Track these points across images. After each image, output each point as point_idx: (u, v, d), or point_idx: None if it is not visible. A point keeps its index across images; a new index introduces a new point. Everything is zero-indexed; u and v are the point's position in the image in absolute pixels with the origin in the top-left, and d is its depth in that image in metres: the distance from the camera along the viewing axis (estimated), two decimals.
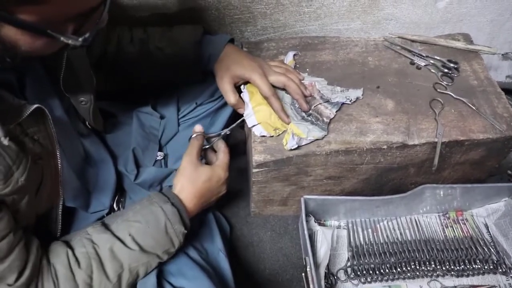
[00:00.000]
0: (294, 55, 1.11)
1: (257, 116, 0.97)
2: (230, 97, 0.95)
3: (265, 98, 0.95)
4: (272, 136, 0.97)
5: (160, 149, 1.05)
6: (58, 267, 0.68)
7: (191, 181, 0.84)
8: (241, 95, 1.01)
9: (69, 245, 0.71)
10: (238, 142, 1.31)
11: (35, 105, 0.61)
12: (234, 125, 0.96)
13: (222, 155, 0.90)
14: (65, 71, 0.72)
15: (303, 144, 0.94)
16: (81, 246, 0.71)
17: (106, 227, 0.75)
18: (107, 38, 0.94)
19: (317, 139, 0.95)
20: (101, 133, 0.97)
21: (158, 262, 0.77)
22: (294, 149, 0.94)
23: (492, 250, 1.15)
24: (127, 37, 0.97)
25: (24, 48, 0.52)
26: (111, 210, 0.96)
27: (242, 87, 1.03)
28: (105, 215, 0.92)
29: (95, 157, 0.91)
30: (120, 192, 1.00)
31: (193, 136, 0.92)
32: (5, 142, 0.56)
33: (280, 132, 0.96)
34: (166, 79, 1.04)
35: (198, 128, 0.92)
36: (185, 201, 0.82)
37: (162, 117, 1.06)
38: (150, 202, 0.78)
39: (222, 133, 0.96)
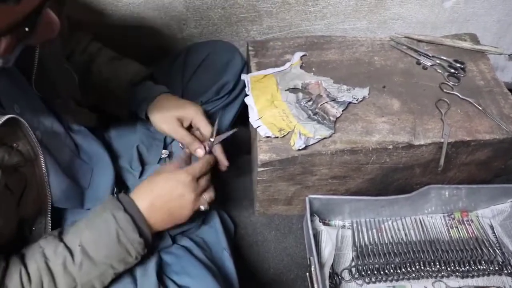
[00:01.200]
0: (302, 56, 1.10)
1: (263, 118, 0.97)
2: (184, 135, 0.91)
3: (203, 135, 0.93)
4: (277, 137, 0.97)
5: (165, 147, 1.04)
6: None
7: (148, 187, 0.78)
8: (246, 99, 1.01)
9: (23, 261, 0.67)
10: (242, 141, 1.31)
11: (6, 116, 0.59)
12: (224, 136, 0.93)
13: (196, 164, 0.83)
14: (37, 71, 0.71)
15: (311, 143, 0.94)
16: (33, 262, 0.67)
17: (60, 238, 0.70)
18: (67, 40, 0.94)
19: (324, 138, 0.95)
20: (95, 128, 0.96)
21: (114, 273, 0.72)
22: (302, 149, 0.94)
23: (498, 251, 1.14)
24: (82, 46, 0.96)
25: None
26: None
27: (246, 89, 1.03)
28: None
29: (88, 152, 0.90)
30: (125, 190, 1.00)
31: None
32: None
33: (285, 133, 0.96)
34: (96, 103, 1.00)
35: (200, 153, 0.90)
36: (140, 206, 0.75)
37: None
38: (103, 209, 0.73)
39: (213, 140, 0.92)
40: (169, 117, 0.91)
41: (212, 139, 0.92)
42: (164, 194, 0.77)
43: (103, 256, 0.70)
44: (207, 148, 0.91)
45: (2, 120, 0.58)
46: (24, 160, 0.66)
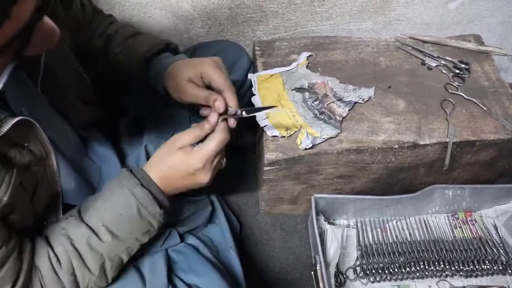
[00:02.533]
0: (308, 56, 1.11)
1: (269, 118, 0.98)
2: (198, 92, 0.80)
3: (219, 91, 0.80)
4: (284, 137, 0.97)
5: None
6: (43, 272, 0.67)
7: (160, 161, 0.76)
8: (252, 98, 1.02)
9: (49, 243, 0.69)
10: (248, 141, 1.31)
11: (16, 119, 0.59)
12: (255, 109, 0.85)
13: (207, 142, 0.75)
14: (43, 75, 0.70)
15: (317, 143, 0.95)
16: (59, 245, 0.69)
17: (81, 218, 0.72)
18: (89, 25, 0.93)
19: (330, 138, 0.96)
20: (103, 126, 0.97)
21: (139, 244, 0.76)
22: (308, 148, 0.94)
23: (501, 251, 1.15)
24: (101, 30, 0.94)
25: None
26: None
27: (253, 89, 1.03)
28: None
29: (97, 151, 0.90)
30: None
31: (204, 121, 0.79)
32: None
33: (292, 133, 0.97)
34: (119, 84, 0.99)
35: (219, 106, 0.76)
36: (155, 179, 0.75)
37: (173, 116, 1.07)
38: (120, 185, 0.72)
39: (238, 113, 0.78)
40: (180, 83, 0.82)
41: (238, 110, 0.79)
42: (175, 176, 0.76)
43: (127, 232, 0.72)
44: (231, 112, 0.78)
45: (13, 122, 0.58)
46: (35, 159, 0.66)
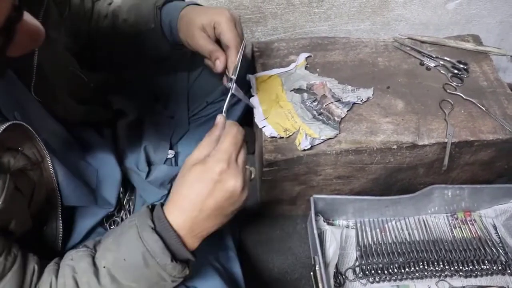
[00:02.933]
0: (307, 57, 1.11)
1: (268, 118, 0.98)
2: (205, 43, 0.79)
3: (225, 46, 0.79)
4: (282, 137, 0.97)
5: (171, 148, 1.05)
6: None
7: (178, 192, 0.63)
8: (251, 99, 1.02)
9: (56, 271, 0.65)
10: (247, 142, 1.31)
11: (6, 124, 0.57)
12: (241, 94, 0.82)
13: (220, 141, 0.64)
14: (36, 77, 0.68)
15: (316, 143, 0.95)
16: (61, 276, 0.63)
17: (93, 251, 0.65)
18: (90, 15, 0.92)
19: (329, 138, 0.96)
20: (102, 126, 0.97)
21: None
22: (307, 149, 0.95)
23: (501, 251, 1.15)
24: (104, 11, 0.92)
25: None
26: (121, 208, 0.97)
27: (252, 90, 1.04)
28: (115, 213, 0.93)
29: (95, 153, 0.89)
30: (130, 190, 1.01)
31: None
32: None
33: (291, 134, 0.97)
34: (138, 54, 0.96)
35: (218, 66, 0.77)
36: (174, 221, 0.62)
37: (172, 117, 1.07)
38: (130, 225, 0.63)
39: (229, 83, 0.77)
40: (192, 28, 0.81)
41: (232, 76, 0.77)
42: (202, 200, 0.61)
43: (131, 281, 0.62)
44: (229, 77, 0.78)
45: (3, 127, 0.56)
46: (30, 163, 0.65)
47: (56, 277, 0.63)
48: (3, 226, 0.61)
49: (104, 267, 0.62)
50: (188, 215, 0.61)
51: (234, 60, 0.78)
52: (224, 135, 0.64)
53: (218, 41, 0.81)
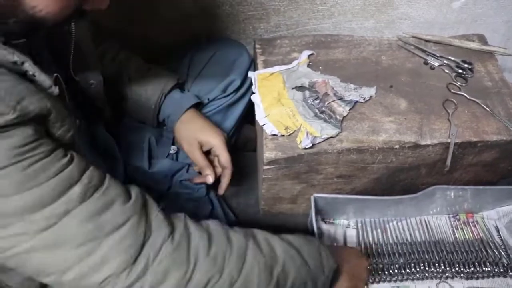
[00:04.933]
0: (310, 55, 1.10)
1: (269, 116, 0.97)
2: (200, 158, 0.97)
3: (223, 168, 0.99)
4: (283, 135, 0.97)
5: (173, 144, 1.05)
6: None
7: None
8: (252, 97, 1.02)
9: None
10: (248, 139, 1.31)
11: (55, 74, 0.60)
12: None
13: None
14: (74, 55, 0.73)
15: (317, 142, 0.94)
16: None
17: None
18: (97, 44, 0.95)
19: (330, 137, 0.95)
20: (109, 127, 0.97)
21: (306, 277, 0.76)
22: (308, 147, 0.94)
23: (503, 253, 1.14)
24: (112, 54, 0.98)
25: (42, 10, 0.52)
26: None
27: (253, 87, 1.03)
28: None
29: (101, 146, 0.92)
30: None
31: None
32: (56, 90, 0.56)
33: (291, 131, 0.96)
34: (125, 109, 1.02)
35: (209, 181, 0.99)
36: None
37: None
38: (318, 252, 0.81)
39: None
40: (192, 138, 0.96)
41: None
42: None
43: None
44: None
45: (55, 76, 0.59)
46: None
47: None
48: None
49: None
50: None
51: (228, 180, 1.00)
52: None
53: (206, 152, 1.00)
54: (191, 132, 0.97)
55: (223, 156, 0.97)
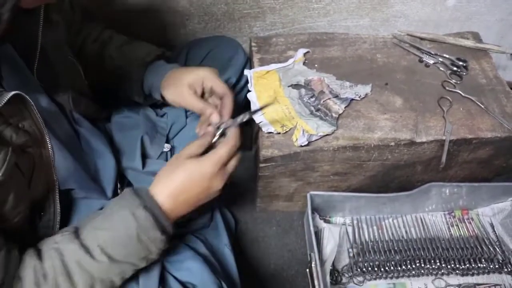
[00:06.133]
0: (305, 53, 1.10)
1: (265, 114, 0.97)
2: (195, 101, 0.84)
3: (221, 97, 0.84)
4: (279, 133, 0.97)
5: (167, 141, 1.04)
6: (26, 284, 0.63)
7: (169, 177, 0.71)
8: (248, 95, 1.02)
9: (39, 256, 0.65)
10: (244, 137, 1.31)
11: (13, 92, 0.58)
12: (254, 111, 0.84)
13: (219, 147, 0.73)
14: (39, 61, 0.70)
15: (313, 140, 0.95)
16: (48, 258, 0.64)
17: (76, 234, 0.67)
18: (79, 30, 0.94)
19: (326, 135, 0.95)
20: (97, 122, 0.96)
21: (134, 269, 0.70)
22: (304, 145, 0.94)
23: (498, 249, 1.15)
24: (94, 35, 0.95)
25: None
26: None
27: (249, 85, 1.03)
28: None
29: (91, 145, 0.89)
30: (127, 186, 1.00)
31: (200, 131, 0.82)
32: None
33: (287, 129, 0.97)
34: (113, 89, 0.99)
35: (214, 118, 0.80)
36: (160, 201, 0.69)
37: (164, 114, 1.06)
38: (121, 205, 0.68)
39: (238, 120, 0.79)
40: (180, 86, 0.85)
41: (229, 121, 0.80)
42: (188, 189, 0.71)
43: (123, 256, 0.67)
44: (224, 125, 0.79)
45: (8, 96, 0.57)
46: (31, 140, 0.65)
47: (40, 260, 0.64)
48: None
49: (97, 246, 0.65)
50: (174, 199, 0.70)
51: (230, 107, 0.83)
52: (223, 144, 0.73)
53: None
54: (176, 81, 0.86)
55: (217, 84, 0.84)
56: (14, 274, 0.62)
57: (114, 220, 0.67)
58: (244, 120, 0.79)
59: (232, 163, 0.74)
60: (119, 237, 0.66)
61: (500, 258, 1.13)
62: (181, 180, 0.70)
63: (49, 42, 0.72)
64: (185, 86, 0.84)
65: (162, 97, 0.90)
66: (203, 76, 0.85)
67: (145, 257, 0.69)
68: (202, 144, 0.74)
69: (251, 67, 1.10)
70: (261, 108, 0.86)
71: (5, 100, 0.57)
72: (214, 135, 0.77)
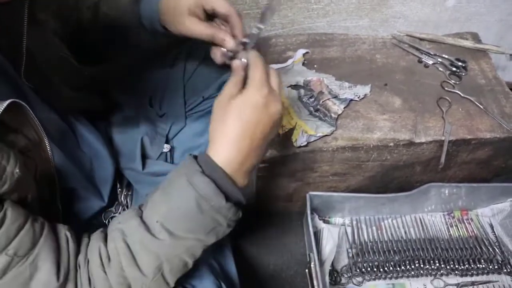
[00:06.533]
0: (305, 53, 1.11)
1: None
2: (202, 29, 0.74)
3: (226, 17, 0.74)
4: (279, 134, 0.97)
5: (167, 142, 1.05)
6: (92, 266, 0.61)
7: (222, 129, 0.62)
8: None
9: (105, 238, 0.64)
10: None
11: (8, 101, 0.57)
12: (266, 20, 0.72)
13: (251, 71, 0.64)
14: (26, 63, 0.67)
15: (312, 140, 0.95)
16: (111, 240, 0.62)
17: (139, 212, 0.64)
18: (75, 3, 0.91)
19: (325, 135, 0.95)
20: (97, 118, 0.96)
21: (204, 245, 0.63)
22: (303, 146, 0.94)
23: (497, 250, 1.15)
24: (87, 4, 0.90)
25: None
26: (118, 204, 0.97)
27: None
28: (113, 209, 0.93)
29: (88, 143, 0.88)
30: (127, 187, 1.01)
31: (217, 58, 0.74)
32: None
33: (287, 130, 0.97)
34: (123, 47, 0.94)
35: (229, 44, 0.70)
36: (222, 158, 0.61)
37: (163, 114, 1.06)
38: (178, 174, 0.62)
39: (254, 33, 0.69)
40: (180, 16, 0.76)
41: (242, 40, 0.71)
42: (249, 129, 0.62)
43: (186, 230, 0.61)
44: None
45: (5, 104, 0.56)
46: (31, 144, 0.65)
47: (105, 242, 0.62)
48: (21, 197, 0.61)
49: (157, 221, 0.61)
50: (239, 149, 0.61)
51: (240, 25, 0.72)
52: (252, 68, 0.64)
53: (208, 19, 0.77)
54: (175, 10, 0.76)
55: (218, 4, 0.73)
56: (72, 252, 0.61)
57: (170, 192, 0.62)
58: (259, 32, 0.69)
59: (274, 80, 0.66)
60: (178, 209, 0.61)
61: (499, 258, 1.13)
62: (235, 124, 0.61)
63: (37, 42, 0.69)
64: (185, 15, 0.75)
65: (165, 29, 0.82)
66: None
67: (213, 230, 0.62)
68: (238, 81, 0.65)
69: None
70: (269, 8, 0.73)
71: (2, 109, 0.56)
72: (243, 67, 0.66)
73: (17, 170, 0.56)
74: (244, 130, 0.61)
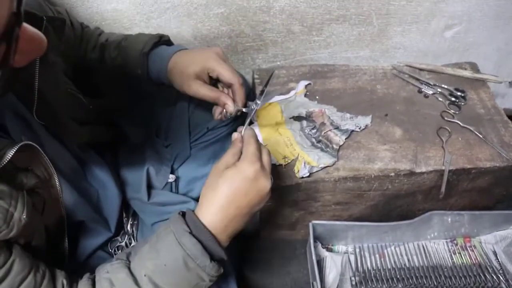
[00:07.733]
0: (307, 85, 1.13)
1: (267, 145, 1.00)
2: (207, 92, 0.83)
3: (229, 85, 0.84)
4: (281, 165, 0.99)
5: (172, 172, 1.06)
6: None
7: (213, 194, 0.68)
8: (251, 126, 1.04)
9: (93, 285, 0.68)
10: None
11: (22, 143, 0.60)
12: (261, 96, 0.84)
13: (245, 147, 0.71)
14: (38, 102, 0.70)
15: (314, 171, 0.96)
16: None
17: (126, 263, 0.69)
18: (80, 41, 0.95)
19: (327, 166, 0.97)
20: (105, 150, 0.98)
21: None
22: (306, 177, 0.96)
23: (501, 277, 1.14)
24: (93, 42, 0.96)
25: None
26: (125, 233, 0.98)
27: (252, 118, 1.05)
28: (119, 239, 0.95)
29: (96, 175, 0.91)
30: (133, 216, 1.02)
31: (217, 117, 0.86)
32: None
33: (289, 161, 0.98)
34: (123, 89, 1.00)
35: (230, 108, 0.82)
36: (209, 220, 0.67)
37: (169, 145, 1.08)
38: (167, 232, 0.67)
39: (252, 108, 0.82)
40: (187, 80, 0.84)
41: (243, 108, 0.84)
42: (236, 198, 0.68)
43: (172, 284, 0.66)
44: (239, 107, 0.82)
45: (17, 147, 0.59)
46: (40, 182, 0.67)
47: None
48: (27, 241, 0.63)
49: (144, 275, 0.65)
50: (224, 214, 0.67)
51: (241, 93, 0.84)
52: (246, 144, 0.71)
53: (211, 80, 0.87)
54: (183, 75, 0.84)
55: (222, 74, 0.83)
56: None
57: (159, 248, 0.67)
58: (255, 108, 0.82)
59: (266, 158, 0.72)
60: (165, 265, 0.65)
61: (503, 286, 1.13)
62: (225, 191, 0.67)
63: (47, 81, 0.72)
64: (192, 79, 0.84)
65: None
66: (208, 67, 0.84)
67: (196, 285, 0.67)
68: (236, 152, 0.72)
69: (253, 99, 1.12)
70: (266, 85, 0.86)
71: (14, 151, 0.59)
72: (242, 138, 0.75)
73: (24, 216, 0.59)
74: (233, 198, 0.67)
